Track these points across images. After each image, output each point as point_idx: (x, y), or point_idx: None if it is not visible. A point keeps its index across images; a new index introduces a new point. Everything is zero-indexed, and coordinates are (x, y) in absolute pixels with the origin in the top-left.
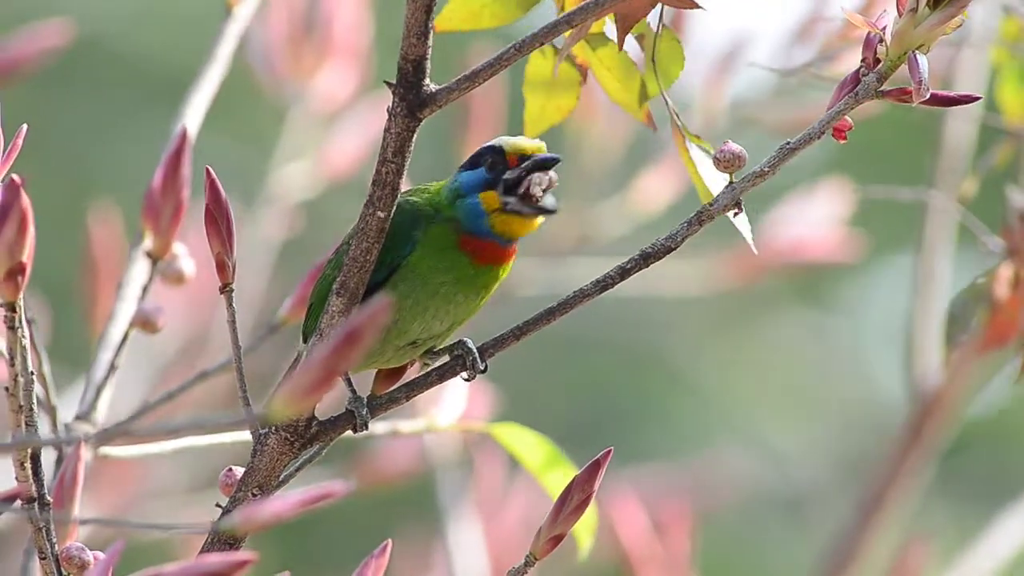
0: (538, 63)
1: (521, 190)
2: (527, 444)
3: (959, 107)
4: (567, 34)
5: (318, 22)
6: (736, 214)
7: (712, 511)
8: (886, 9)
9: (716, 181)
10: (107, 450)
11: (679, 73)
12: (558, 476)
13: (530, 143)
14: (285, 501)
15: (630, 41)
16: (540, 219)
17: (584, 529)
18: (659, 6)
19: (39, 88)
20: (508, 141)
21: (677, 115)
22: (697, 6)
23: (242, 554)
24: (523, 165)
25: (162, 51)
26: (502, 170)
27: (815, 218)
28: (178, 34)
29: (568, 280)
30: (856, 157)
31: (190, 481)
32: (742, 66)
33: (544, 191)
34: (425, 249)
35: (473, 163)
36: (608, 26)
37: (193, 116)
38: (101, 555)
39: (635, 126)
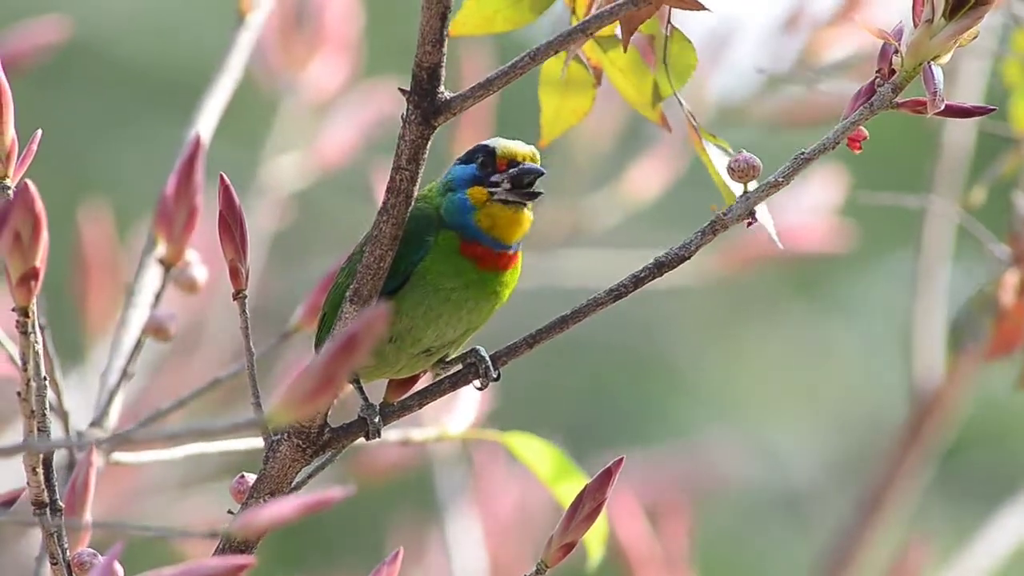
0: (552, 65)
1: (507, 183)
2: (536, 452)
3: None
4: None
5: (309, 13)
6: (750, 224)
7: (707, 497)
8: (901, 20)
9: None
10: (119, 456)
11: (691, 73)
12: (568, 484)
13: (522, 149)
14: (283, 506)
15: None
16: (528, 215)
17: (595, 538)
18: (666, 8)
19: (35, 88)
20: (501, 144)
21: (692, 115)
22: (702, 7)
23: (240, 557)
24: (508, 172)
25: (159, 52)
26: (490, 172)
27: (808, 207)
28: (175, 36)
29: (561, 271)
30: (854, 154)
31: (183, 477)
32: (729, 59)
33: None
34: (435, 255)
35: (466, 158)
36: (618, 28)
37: (206, 123)
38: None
39: (625, 117)
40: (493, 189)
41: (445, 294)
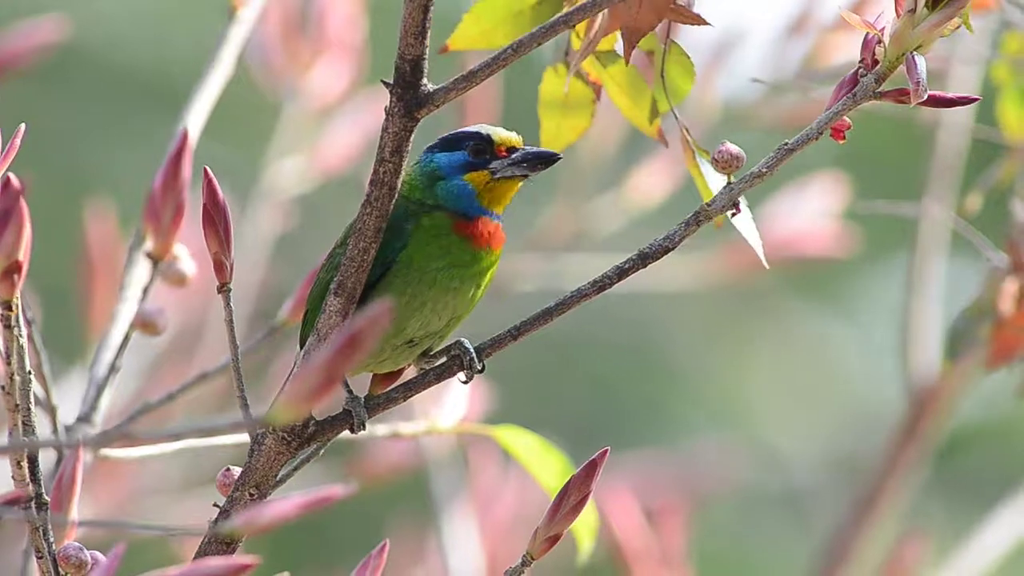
0: (551, 83)
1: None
2: (527, 446)
3: (952, 120)
4: (575, 44)
5: (312, 17)
6: (734, 214)
7: (706, 499)
8: (883, 10)
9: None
10: (107, 452)
11: (689, 89)
12: (558, 477)
13: (515, 136)
14: (285, 503)
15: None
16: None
17: (584, 530)
18: (666, 21)
19: (29, 88)
20: (495, 132)
21: (687, 130)
22: (704, 22)
23: (243, 558)
24: (518, 156)
25: (157, 56)
26: (488, 159)
27: (809, 213)
28: (174, 39)
29: (563, 276)
30: (850, 158)
31: (183, 477)
32: (734, 64)
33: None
34: (419, 240)
35: (449, 146)
36: (618, 43)
37: (196, 118)
38: (99, 555)
39: (629, 123)
40: (494, 167)
41: (432, 276)
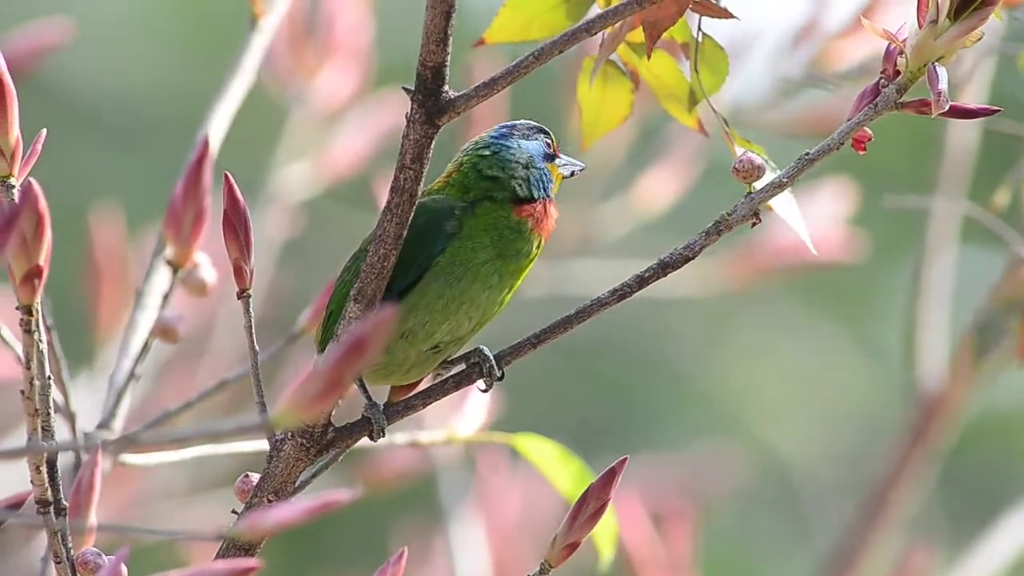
0: (592, 62)
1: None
2: (547, 454)
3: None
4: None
5: (320, 22)
6: (755, 224)
7: (711, 503)
8: (905, 21)
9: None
10: (126, 458)
11: (724, 79)
12: (577, 485)
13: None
14: (290, 508)
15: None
16: None
17: (605, 538)
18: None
19: (40, 97)
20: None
21: (726, 121)
22: (728, 15)
23: (246, 560)
24: (567, 160)
25: (156, 59)
26: (554, 155)
27: (817, 218)
28: (172, 44)
29: (570, 281)
30: (856, 160)
31: (190, 483)
32: (742, 68)
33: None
34: (470, 230)
35: (524, 135)
36: None
37: (218, 123)
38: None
39: (637, 126)
40: (559, 167)
41: (474, 271)
